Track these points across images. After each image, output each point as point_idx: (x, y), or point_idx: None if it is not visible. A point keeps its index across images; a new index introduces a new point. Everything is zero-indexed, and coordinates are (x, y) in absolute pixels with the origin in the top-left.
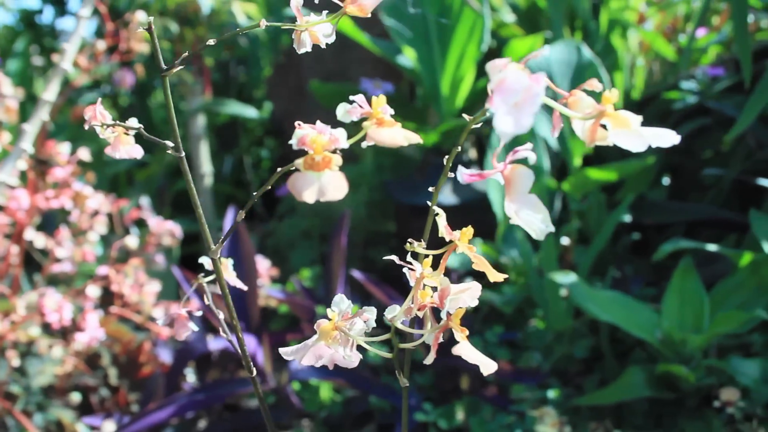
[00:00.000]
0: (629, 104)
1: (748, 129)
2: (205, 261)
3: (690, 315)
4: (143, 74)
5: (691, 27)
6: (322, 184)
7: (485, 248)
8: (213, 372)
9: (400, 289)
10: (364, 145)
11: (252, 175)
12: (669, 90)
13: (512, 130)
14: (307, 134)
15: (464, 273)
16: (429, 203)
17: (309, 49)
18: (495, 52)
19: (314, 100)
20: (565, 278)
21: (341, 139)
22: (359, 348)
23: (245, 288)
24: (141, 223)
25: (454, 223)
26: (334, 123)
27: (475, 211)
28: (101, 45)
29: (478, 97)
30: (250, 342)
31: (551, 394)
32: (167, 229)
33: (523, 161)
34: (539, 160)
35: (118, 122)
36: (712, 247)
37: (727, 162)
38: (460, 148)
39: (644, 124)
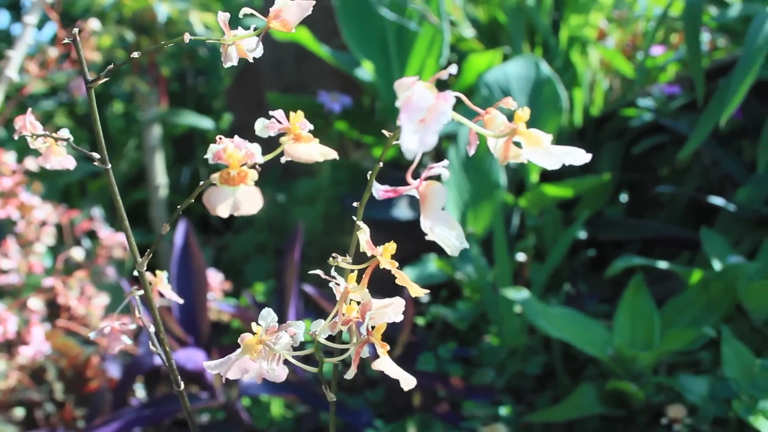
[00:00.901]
0: (588, 121)
1: (702, 147)
2: (144, 273)
3: (641, 332)
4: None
5: (647, 45)
6: (237, 198)
7: (440, 264)
8: (162, 387)
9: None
10: (282, 160)
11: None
12: (627, 107)
13: (417, 147)
14: (223, 149)
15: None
16: (392, 218)
17: (235, 63)
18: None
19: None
20: (519, 294)
21: (257, 154)
22: (310, 362)
23: (180, 301)
24: (94, 235)
25: (409, 238)
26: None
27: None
28: (53, 52)
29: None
30: (199, 356)
31: (503, 411)
32: (118, 241)
33: (437, 178)
34: (495, 175)
35: (48, 133)
36: (663, 264)
37: (683, 179)
38: (418, 159)
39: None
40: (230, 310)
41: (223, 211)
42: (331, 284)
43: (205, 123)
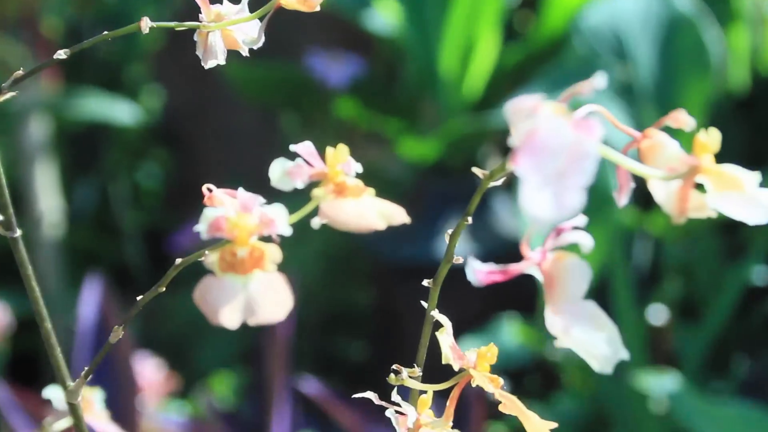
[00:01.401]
0: (759, 83)
1: None
2: (54, 396)
3: None
4: None
5: None
6: (252, 295)
7: (525, 333)
8: None
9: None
10: (316, 224)
11: (127, 212)
12: None
13: (550, 213)
14: (223, 215)
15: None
16: (436, 260)
17: (222, 62)
18: (530, 5)
19: (230, 88)
20: (660, 381)
21: (278, 220)
22: None
23: None
24: None
25: (467, 291)
26: (268, 133)
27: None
28: None
29: (506, 79)
30: None
31: None
32: None
33: (573, 248)
34: (606, 184)
35: None
36: None
37: None
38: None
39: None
40: (177, 427)
41: (230, 318)
42: (389, 413)
43: (120, 109)
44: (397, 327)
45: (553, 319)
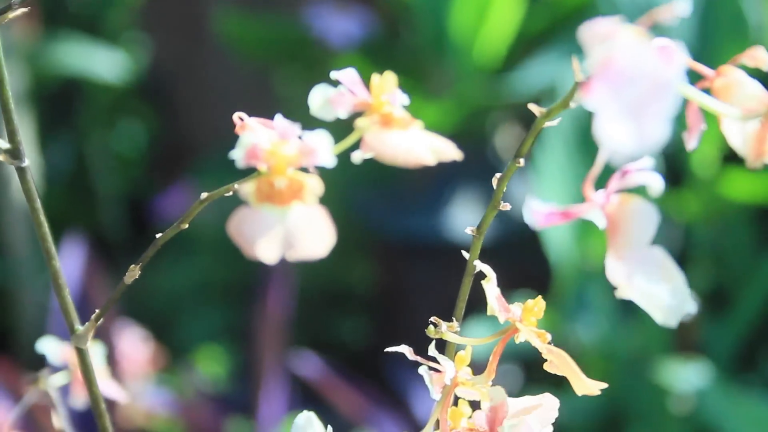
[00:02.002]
0: None
1: None
2: (50, 348)
3: None
4: None
5: None
6: (290, 229)
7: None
8: None
9: (385, 387)
10: (357, 158)
11: (106, 174)
12: None
13: (631, 144)
14: (261, 141)
15: (502, 367)
16: (443, 238)
17: None
18: None
19: (221, 43)
20: (687, 376)
21: (321, 149)
22: None
23: (123, 397)
24: None
25: (481, 274)
26: (271, 91)
27: (514, 253)
28: None
29: (528, 45)
30: None
31: None
32: None
33: (639, 190)
34: None
35: None
36: None
37: None
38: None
39: None
40: (163, 405)
41: (267, 251)
42: (421, 370)
43: (101, 61)
44: (400, 306)
45: (615, 267)
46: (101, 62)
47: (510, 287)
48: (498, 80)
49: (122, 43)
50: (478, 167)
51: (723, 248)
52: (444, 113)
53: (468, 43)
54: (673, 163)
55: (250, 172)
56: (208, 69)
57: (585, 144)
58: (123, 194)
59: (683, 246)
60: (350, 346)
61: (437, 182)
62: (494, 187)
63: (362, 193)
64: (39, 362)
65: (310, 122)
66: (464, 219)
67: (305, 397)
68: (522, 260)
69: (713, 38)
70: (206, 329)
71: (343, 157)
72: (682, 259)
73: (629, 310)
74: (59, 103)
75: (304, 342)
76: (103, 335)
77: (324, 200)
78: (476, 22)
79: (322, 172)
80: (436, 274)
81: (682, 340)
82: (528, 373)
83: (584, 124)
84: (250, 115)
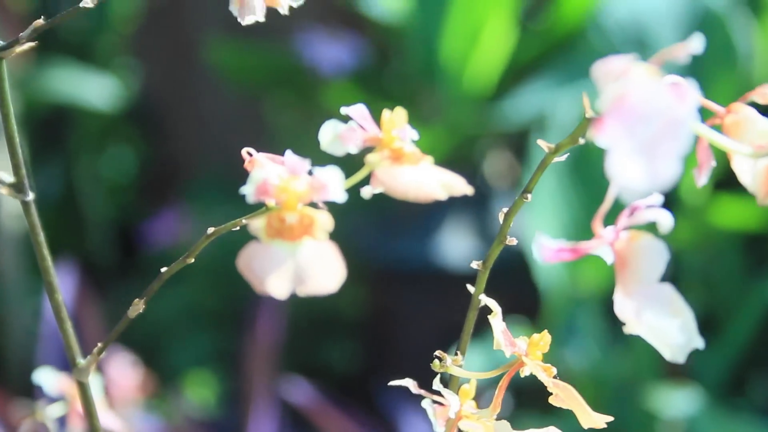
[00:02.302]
0: None
1: None
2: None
3: None
4: None
5: None
6: (301, 263)
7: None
8: None
9: (375, 414)
10: (367, 193)
11: (95, 200)
12: None
13: (644, 182)
14: (271, 177)
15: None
16: (434, 266)
17: (260, 18)
18: None
19: (212, 70)
20: (677, 400)
21: (332, 184)
22: None
23: (120, 428)
24: None
25: (463, 296)
26: (260, 118)
27: (503, 279)
28: None
29: (519, 73)
30: None
31: None
32: None
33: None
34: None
35: None
36: None
37: None
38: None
39: None
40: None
41: (277, 286)
42: (425, 403)
43: (92, 88)
44: (390, 331)
45: (623, 303)
46: (91, 88)
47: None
48: (488, 108)
49: (113, 69)
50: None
51: (713, 274)
52: (434, 140)
53: (458, 71)
54: (664, 191)
55: (241, 199)
56: (198, 95)
57: (577, 173)
58: (112, 219)
59: (674, 272)
60: (340, 372)
61: (427, 209)
62: (492, 217)
63: (353, 219)
64: (28, 388)
65: (301, 152)
66: (453, 245)
67: (295, 423)
68: (511, 286)
69: (703, 68)
70: (196, 355)
71: None
72: (674, 284)
73: (619, 336)
74: (49, 128)
75: (293, 368)
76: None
77: None
78: (466, 50)
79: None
80: (426, 300)
81: (672, 365)
82: (518, 399)
83: (576, 154)
84: (239, 144)
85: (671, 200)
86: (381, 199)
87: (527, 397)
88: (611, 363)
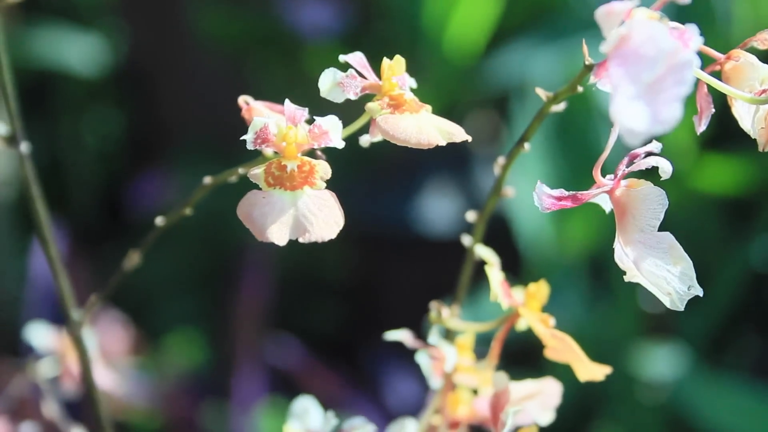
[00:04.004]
0: None
1: None
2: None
3: None
4: None
5: None
6: (301, 212)
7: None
8: None
9: (359, 373)
10: (365, 141)
11: (81, 160)
12: None
13: (646, 126)
14: (271, 124)
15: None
16: (414, 232)
17: None
18: None
19: (197, 34)
20: (661, 359)
21: (332, 131)
22: None
23: (115, 385)
24: None
25: (444, 260)
26: (246, 82)
27: (484, 240)
28: None
29: (507, 34)
30: None
31: None
32: None
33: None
34: (598, 144)
35: None
36: None
37: None
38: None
39: None
40: (143, 394)
41: (278, 235)
42: (419, 355)
43: (77, 48)
44: (375, 293)
45: (622, 251)
46: (76, 50)
47: (481, 273)
48: (471, 71)
49: (99, 31)
50: (449, 157)
51: (697, 237)
52: (437, 97)
53: (439, 34)
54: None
55: (226, 161)
56: (183, 59)
57: (562, 136)
58: (98, 182)
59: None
60: (325, 333)
61: (410, 172)
62: (475, 181)
63: (337, 183)
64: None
65: None
66: (437, 209)
67: (280, 381)
68: (492, 247)
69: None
70: (184, 315)
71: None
72: None
73: (602, 296)
74: (34, 91)
75: (279, 327)
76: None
77: None
78: (447, 14)
79: None
80: (410, 263)
81: (657, 324)
82: (505, 356)
83: (560, 118)
84: (224, 107)
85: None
86: (366, 162)
87: (513, 355)
88: (595, 323)
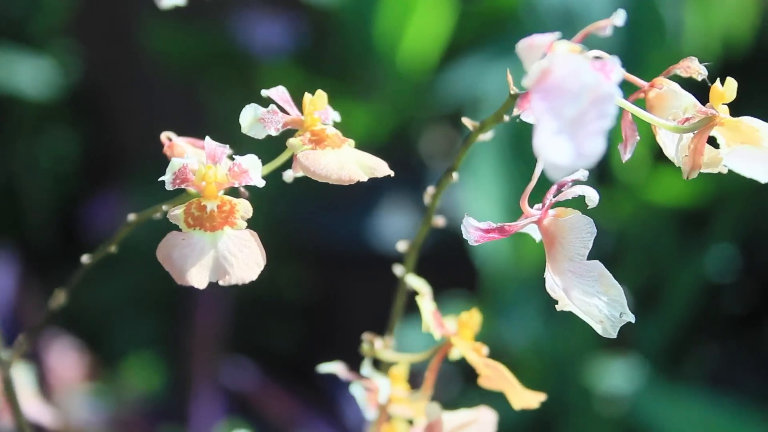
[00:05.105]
0: (727, 66)
1: None
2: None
3: None
4: None
5: None
6: (221, 254)
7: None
8: None
9: (317, 395)
10: (289, 177)
11: (34, 184)
12: None
13: (569, 160)
14: (191, 164)
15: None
16: (368, 248)
17: (181, 2)
18: None
19: (149, 53)
20: (618, 372)
21: (252, 171)
22: None
23: (51, 420)
24: None
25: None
26: (197, 101)
27: (442, 256)
28: None
29: (461, 50)
30: None
31: None
32: None
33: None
34: None
35: None
36: None
37: None
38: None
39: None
40: (98, 419)
41: (198, 277)
42: (353, 387)
43: (29, 71)
44: (333, 312)
45: (553, 281)
46: (29, 73)
47: (439, 289)
48: (424, 87)
49: (51, 53)
50: (404, 173)
51: (652, 249)
52: (371, 120)
53: (392, 51)
54: (604, 169)
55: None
56: (137, 79)
57: (517, 151)
58: (53, 205)
59: (615, 247)
60: (283, 353)
61: (366, 190)
62: (424, 197)
63: (293, 202)
64: None
65: (239, 134)
66: (392, 226)
67: (237, 404)
68: (450, 263)
69: (634, 46)
70: (140, 339)
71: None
72: (615, 259)
73: (558, 311)
74: None
75: (236, 349)
76: (34, 348)
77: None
78: (399, 31)
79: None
80: (367, 281)
81: (612, 338)
82: (466, 376)
83: (516, 131)
84: (179, 127)
85: (611, 179)
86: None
87: (476, 375)
88: (552, 337)
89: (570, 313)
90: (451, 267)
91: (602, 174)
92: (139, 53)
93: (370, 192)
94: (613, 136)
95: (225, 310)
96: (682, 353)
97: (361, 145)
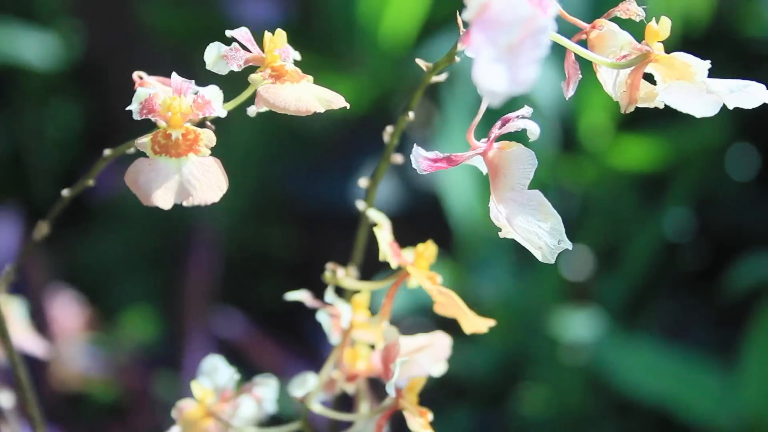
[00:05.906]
0: (686, 42)
1: None
2: None
3: None
4: None
5: None
6: (185, 177)
7: (445, 270)
8: None
9: (304, 347)
10: (252, 111)
11: (41, 152)
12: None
13: (505, 87)
14: (156, 94)
15: (413, 319)
16: (356, 206)
17: None
18: None
19: (152, 33)
20: (577, 323)
21: (214, 101)
22: None
23: (44, 352)
24: None
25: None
26: (193, 75)
27: (419, 221)
28: None
29: (441, 25)
30: None
31: None
32: None
33: (518, 136)
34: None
35: None
36: None
37: None
38: (410, 114)
39: (714, 72)
40: (98, 367)
41: (163, 199)
42: (320, 314)
43: (34, 45)
44: (317, 269)
45: (496, 209)
46: (35, 47)
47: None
48: (405, 61)
49: (55, 28)
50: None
51: (614, 210)
52: (355, 93)
53: (374, 26)
54: (570, 137)
55: None
56: (134, 53)
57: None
58: (58, 172)
59: (580, 209)
60: (271, 306)
61: (349, 153)
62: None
63: (281, 167)
64: None
65: (228, 99)
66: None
67: (228, 352)
68: (427, 227)
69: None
70: (137, 293)
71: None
72: (580, 220)
73: (527, 266)
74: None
75: (227, 302)
76: (37, 300)
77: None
78: (381, 7)
79: (243, 145)
80: (348, 240)
81: (577, 291)
82: (441, 328)
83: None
84: None
85: (576, 146)
86: (306, 143)
87: (449, 327)
88: (521, 292)
89: (537, 269)
90: (428, 228)
91: (568, 141)
92: (136, 28)
93: (353, 158)
94: (578, 105)
95: (217, 266)
96: (641, 307)
97: (344, 116)
